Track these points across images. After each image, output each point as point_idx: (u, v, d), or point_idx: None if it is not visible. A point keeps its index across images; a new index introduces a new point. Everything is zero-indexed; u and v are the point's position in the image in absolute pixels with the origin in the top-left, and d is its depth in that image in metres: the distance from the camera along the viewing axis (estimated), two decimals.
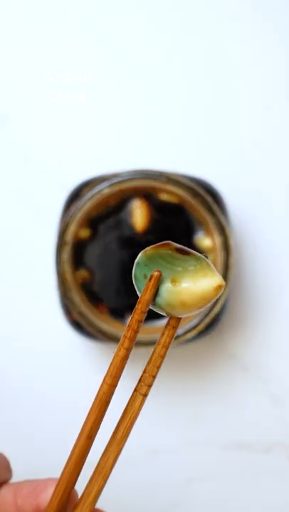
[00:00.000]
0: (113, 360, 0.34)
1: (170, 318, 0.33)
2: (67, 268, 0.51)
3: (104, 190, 0.50)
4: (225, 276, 0.50)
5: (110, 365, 0.34)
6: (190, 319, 0.51)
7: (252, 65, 0.59)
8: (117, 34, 0.59)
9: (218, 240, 0.50)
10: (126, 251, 0.52)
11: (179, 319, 0.33)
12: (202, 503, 0.58)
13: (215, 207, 0.50)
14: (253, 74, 0.59)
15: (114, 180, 0.50)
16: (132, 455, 0.58)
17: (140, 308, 0.32)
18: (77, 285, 0.51)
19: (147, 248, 0.32)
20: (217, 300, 0.50)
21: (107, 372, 0.34)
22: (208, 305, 0.32)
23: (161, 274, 0.31)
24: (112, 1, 0.59)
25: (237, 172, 0.59)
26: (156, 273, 0.31)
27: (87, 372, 0.57)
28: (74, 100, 0.58)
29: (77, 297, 0.51)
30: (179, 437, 0.58)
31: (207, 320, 0.50)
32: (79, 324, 0.52)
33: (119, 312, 0.53)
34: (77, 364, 0.58)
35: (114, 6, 0.59)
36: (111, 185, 0.50)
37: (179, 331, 0.50)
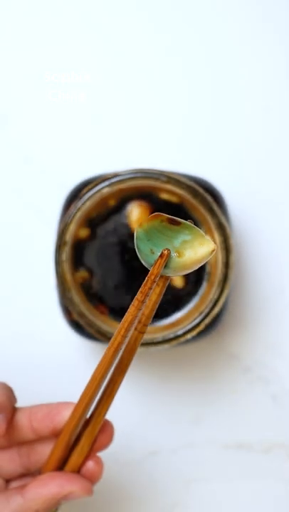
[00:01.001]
0: (128, 316, 0.39)
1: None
2: (67, 268, 0.50)
3: (103, 189, 0.50)
4: (225, 275, 0.50)
5: (127, 318, 0.39)
6: (190, 320, 0.51)
7: (252, 65, 0.59)
8: (117, 34, 0.59)
9: (218, 239, 0.50)
10: (126, 251, 0.52)
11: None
12: (202, 503, 0.58)
13: (215, 206, 0.50)
14: (253, 74, 0.59)
15: (114, 180, 0.50)
16: (132, 455, 0.58)
17: (153, 279, 0.38)
18: (76, 285, 0.51)
19: (141, 222, 0.38)
20: (217, 300, 0.50)
21: (121, 327, 0.39)
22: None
23: (170, 252, 0.37)
24: (112, 1, 0.59)
25: (237, 172, 0.59)
26: (166, 251, 0.37)
27: (87, 373, 0.57)
28: (74, 100, 0.58)
29: (77, 297, 0.51)
30: (179, 438, 0.58)
31: (207, 320, 0.50)
32: (78, 324, 0.52)
33: (119, 312, 0.53)
34: (76, 364, 0.58)
35: (114, 6, 0.59)
36: (111, 184, 0.50)
37: (180, 331, 0.50)
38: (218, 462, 0.58)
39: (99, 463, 0.45)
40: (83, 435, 0.44)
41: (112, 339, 0.40)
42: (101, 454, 0.57)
